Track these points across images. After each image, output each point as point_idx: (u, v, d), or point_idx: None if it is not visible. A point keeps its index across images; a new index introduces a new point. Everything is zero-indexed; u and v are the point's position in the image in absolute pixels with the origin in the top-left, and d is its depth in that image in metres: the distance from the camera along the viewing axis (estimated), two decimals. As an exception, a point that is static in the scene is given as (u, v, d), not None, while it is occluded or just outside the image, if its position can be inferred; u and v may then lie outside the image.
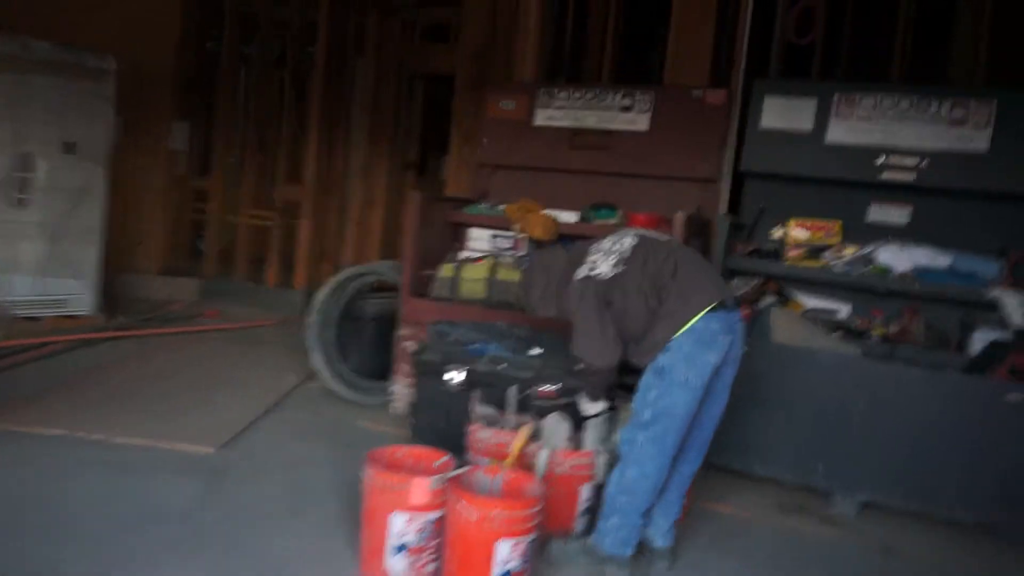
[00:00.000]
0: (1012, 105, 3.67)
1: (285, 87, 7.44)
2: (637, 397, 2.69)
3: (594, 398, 3.00)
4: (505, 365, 3.37)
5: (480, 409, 3.18)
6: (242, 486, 3.16)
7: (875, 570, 3.07)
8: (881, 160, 3.84)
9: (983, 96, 3.74)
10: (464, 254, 4.63)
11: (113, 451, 3.37)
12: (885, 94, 3.88)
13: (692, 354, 2.58)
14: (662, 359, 2.60)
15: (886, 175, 3.85)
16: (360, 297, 4.78)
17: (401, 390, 4.37)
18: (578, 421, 3.07)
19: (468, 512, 2.37)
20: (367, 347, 4.76)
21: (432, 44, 7.15)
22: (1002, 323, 3.59)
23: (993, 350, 3.54)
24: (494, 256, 4.51)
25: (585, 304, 2.73)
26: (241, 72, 7.68)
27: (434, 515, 2.50)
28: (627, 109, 4.71)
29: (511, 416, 3.21)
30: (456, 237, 4.82)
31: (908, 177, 3.81)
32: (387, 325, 4.69)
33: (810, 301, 4.11)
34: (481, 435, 3.08)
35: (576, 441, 3.03)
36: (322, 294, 4.62)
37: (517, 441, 3.01)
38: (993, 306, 3.60)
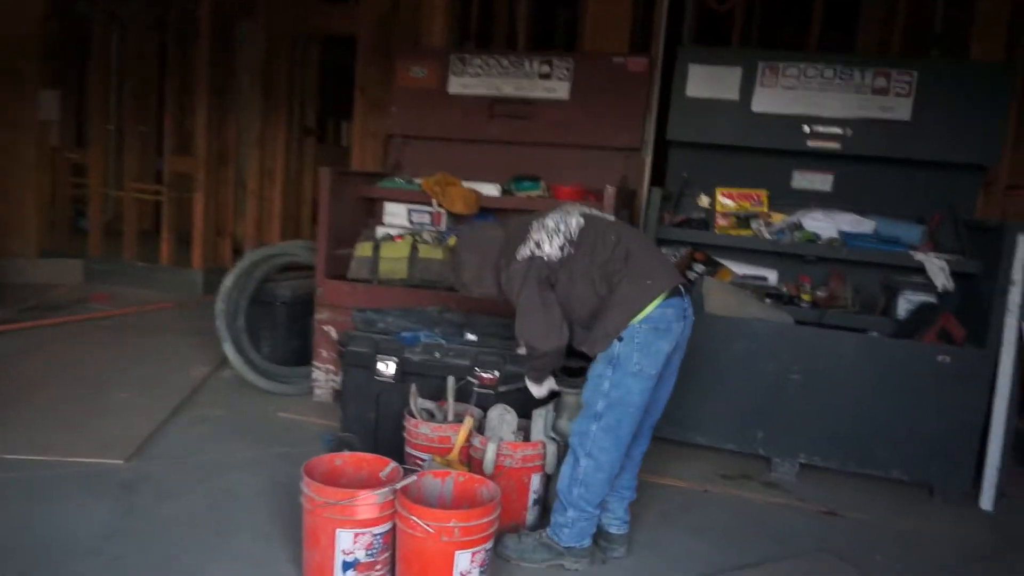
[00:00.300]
0: (931, 75, 3.75)
1: (168, 51, 6.86)
2: (589, 387, 2.58)
3: (538, 381, 2.88)
4: (439, 354, 3.20)
5: (419, 403, 3.01)
6: (161, 502, 2.88)
7: (823, 533, 3.10)
8: (807, 129, 3.85)
9: (904, 66, 3.79)
10: (381, 231, 4.39)
11: (5, 470, 3.00)
12: (809, 63, 3.88)
13: (646, 343, 2.49)
14: (616, 348, 2.49)
15: (812, 143, 3.86)
16: (270, 280, 4.48)
17: (323, 376, 4.14)
18: (523, 410, 2.95)
19: (423, 526, 2.20)
20: (281, 332, 4.48)
21: (328, 3, 6.72)
22: (926, 285, 3.68)
23: (921, 313, 3.63)
24: (413, 233, 4.29)
25: (528, 285, 2.58)
26: (115, 35, 7.03)
27: (384, 528, 2.32)
28: (546, 77, 4.55)
29: (450, 407, 3.05)
30: (371, 213, 4.58)
31: (834, 145, 3.83)
32: (301, 308, 4.43)
33: (739, 269, 4.10)
34: (421, 430, 2.91)
35: (524, 431, 2.91)
36: (229, 279, 4.29)
37: (460, 435, 2.87)
38: (915, 269, 3.69)
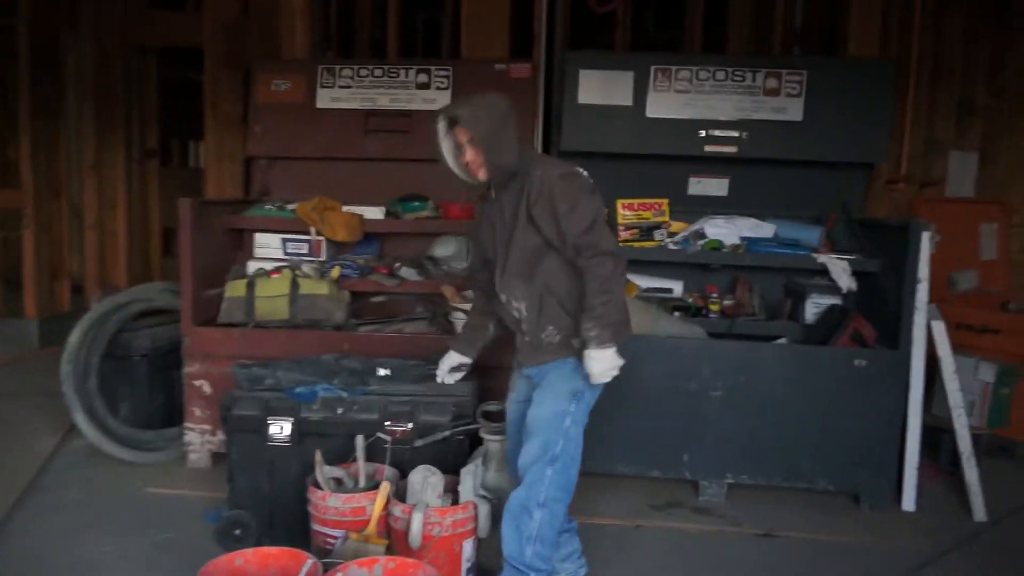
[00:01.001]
0: (820, 74, 3.72)
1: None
2: (546, 427, 2.32)
3: (617, 324, 2.25)
4: (341, 409, 2.81)
5: (325, 471, 2.62)
6: (11, 629, 2.36)
7: (762, 558, 2.97)
8: (703, 133, 3.74)
9: (794, 66, 3.74)
10: (253, 266, 3.91)
11: None
12: (701, 66, 3.77)
13: None
14: (580, 383, 2.31)
15: (709, 149, 3.75)
16: (125, 330, 3.89)
17: (198, 439, 3.63)
18: (444, 464, 2.63)
19: (360, 636, 1.85)
20: (142, 390, 3.88)
21: (165, 12, 6.07)
22: (830, 287, 3.64)
23: (830, 316, 3.58)
24: (291, 266, 3.84)
25: (596, 197, 2.29)
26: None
27: (306, 639, 1.95)
28: (424, 87, 4.23)
29: (361, 469, 2.68)
30: (239, 246, 4.10)
31: (731, 149, 3.73)
32: (164, 359, 3.89)
33: (643, 282, 3.94)
34: (330, 503, 2.53)
35: (452, 491, 2.58)
36: (75, 335, 3.69)
37: (376, 504, 2.52)
38: (816, 271, 3.65)
